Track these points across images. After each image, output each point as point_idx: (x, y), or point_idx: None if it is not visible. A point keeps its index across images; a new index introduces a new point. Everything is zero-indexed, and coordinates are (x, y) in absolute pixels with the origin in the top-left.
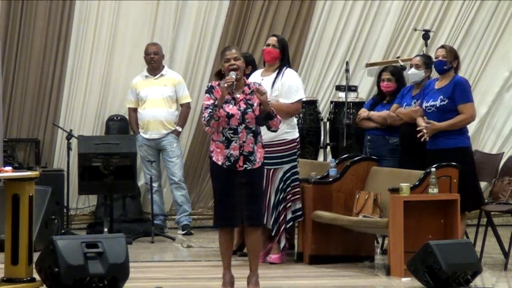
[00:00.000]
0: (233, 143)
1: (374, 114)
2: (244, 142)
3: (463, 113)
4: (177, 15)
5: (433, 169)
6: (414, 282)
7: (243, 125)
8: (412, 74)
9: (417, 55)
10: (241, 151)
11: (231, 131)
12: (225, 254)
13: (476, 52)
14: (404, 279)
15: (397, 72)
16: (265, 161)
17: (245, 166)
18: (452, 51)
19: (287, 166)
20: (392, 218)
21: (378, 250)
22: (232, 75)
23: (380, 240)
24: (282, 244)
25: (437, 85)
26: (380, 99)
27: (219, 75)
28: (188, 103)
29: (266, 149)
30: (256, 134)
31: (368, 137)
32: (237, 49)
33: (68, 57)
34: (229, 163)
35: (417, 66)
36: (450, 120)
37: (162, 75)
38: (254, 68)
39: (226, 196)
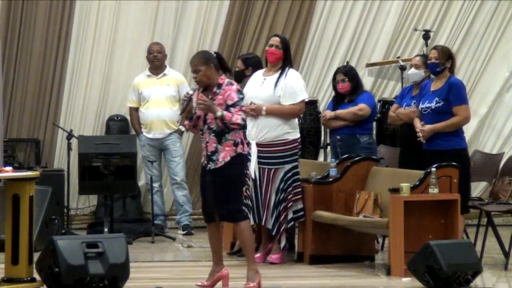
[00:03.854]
0: (203, 143)
1: (342, 112)
2: (207, 142)
3: (458, 115)
4: (177, 15)
5: (433, 169)
6: (414, 282)
7: (206, 126)
8: (412, 74)
9: (416, 55)
10: (206, 151)
11: (201, 132)
12: (211, 248)
13: (476, 52)
14: (404, 279)
15: (349, 71)
16: (266, 161)
17: (209, 166)
18: (444, 51)
19: (288, 166)
20: (392, 218)
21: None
22: (190, 91)
23: (380, 240)
24: (282, 244)
25: (433, 87)
26: (340, 100)
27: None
28: None
29: (267, 149)
30: (220, 134)
31: (338, 137)
32: (197, 59)
33: (68, 57)
34: (204, 162)
35: (416, 66)
36: (445, 122)
37: (164, 74)
38: (254, 69)
39: (202, 193)
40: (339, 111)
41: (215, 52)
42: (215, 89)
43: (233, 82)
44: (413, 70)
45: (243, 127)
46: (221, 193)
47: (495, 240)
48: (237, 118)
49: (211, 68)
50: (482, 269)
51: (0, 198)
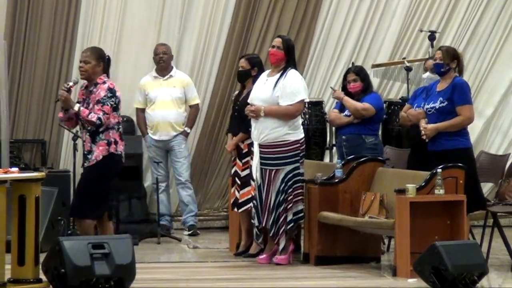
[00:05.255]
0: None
1: (348, 100)
2: (84, 141)
3: (461, 115)
4: (183, 15)
5: (439, 170)
6: (420, 283)
7: (82, 126)
8: (428, 78)
9: (430, 58)
10: (83, 150)
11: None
12: None
13: (482, 53)
14: (410, 280)
15: (360, 71)
16: (267, 161)
17: (85, 164)
18: (448, 51)
19: (288, 167)
20: (398, 219)
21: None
22: (70, 82)
23: (386, 241)
24: (281, 246)
25: (438, 87)
26: None
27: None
28: (197, 105)
29: (268, 150)
30: (94, 134)
31: (344, 137)
32: (92, 52)
33: (74, 58)
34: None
35: (432, 70)
36: (448, 121)
37: (171, 76)
38: (261, 69)
39: None
40: (346, 97)
41: (108, 56)
42: (92, 87)
43: (108, 81)
44: (428, 74)
45: (99, 126)
46: (78, 189)
47: (501, 241)
48: (93, 116)
49: (100, 65)
50: (488, 270)
51: (6, 199)
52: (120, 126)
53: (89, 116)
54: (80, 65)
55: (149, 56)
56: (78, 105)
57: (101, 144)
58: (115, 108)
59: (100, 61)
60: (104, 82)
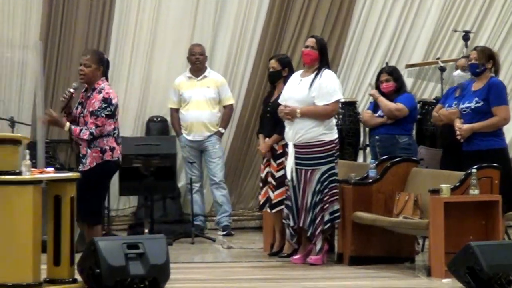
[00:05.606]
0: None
1: (382, 100)
2: (81, 145)
3: (496, 115)
4: (216, 14)
5: (474, 170)
6: (455, 283)
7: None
8: (458, 76)
9: (463, 57)
10: (79, 153)
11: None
12: None
13: None
14: (445, 280)
15: (394, 71)
16: (302, 162)
17: (79, 167)
18: (484, 52)
19: (324, 168)
20: (433, 219)
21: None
22: (71, 89)
23: (420, 241)
24: (318, 247)
25: (474, 87)
26: None
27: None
28: (231, 105)
29: (303, 150)
30: (90, 140)
31: (377, 137)
32: (92, 55)
33: (108, 58)
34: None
35: (463, 69)
36: (483, 122)
37: (205, 76)
38: (291, 69)
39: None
40: (381, 97)
41: (107, 59)
42: (90, 92)
43: (104, 89)
44: (459, 72)
45: (92, 140)
46: (80, 195)
47: None
48: (85, 133)
49: (99, 69)
50: None
51: (42, 199)
52: (116, 131)
53: (81, 134)
54: (80, 68)
55: (183, 55)
56: (68, 124)
57: (95, 151)
58: (111, 115)
59: (100, 65)
60: (100, 91)
